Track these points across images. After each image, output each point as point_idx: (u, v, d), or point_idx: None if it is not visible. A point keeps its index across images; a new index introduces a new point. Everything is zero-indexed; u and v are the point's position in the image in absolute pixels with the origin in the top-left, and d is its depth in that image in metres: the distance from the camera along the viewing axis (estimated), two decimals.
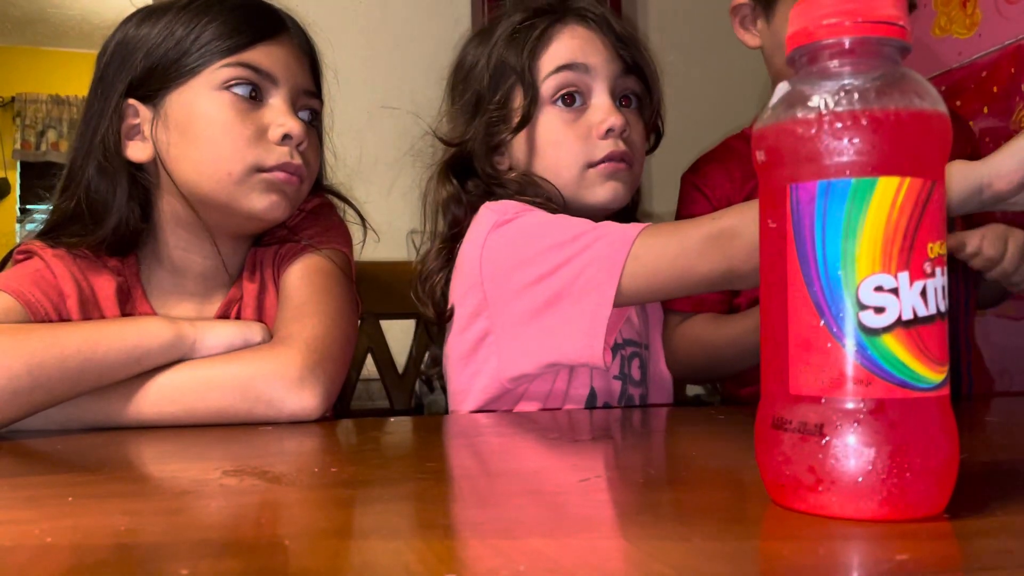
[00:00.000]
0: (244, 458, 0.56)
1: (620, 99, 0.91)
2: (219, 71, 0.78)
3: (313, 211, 0.89)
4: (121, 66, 0.80)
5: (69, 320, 0.77)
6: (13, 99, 4.94)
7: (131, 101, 0.79)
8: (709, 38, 2.10)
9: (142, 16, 0.81)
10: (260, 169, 0.79)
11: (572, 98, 0.89)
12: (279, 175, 0.80)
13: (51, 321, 0.75)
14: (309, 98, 0.86)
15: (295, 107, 0.83)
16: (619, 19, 0.92)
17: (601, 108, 0.88)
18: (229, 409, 0.69)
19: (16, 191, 4.99)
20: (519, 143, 0.90)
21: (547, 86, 0.89)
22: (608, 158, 0.87)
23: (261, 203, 0.80)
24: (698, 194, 1.08)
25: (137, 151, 0.80)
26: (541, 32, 0.89)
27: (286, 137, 0.80)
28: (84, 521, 0.38)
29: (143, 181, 0.82)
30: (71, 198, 0.81)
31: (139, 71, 0.79)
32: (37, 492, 0.45)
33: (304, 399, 0.70)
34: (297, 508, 0.41)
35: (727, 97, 2.13)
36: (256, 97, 0.80)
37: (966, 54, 1.75)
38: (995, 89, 1.67)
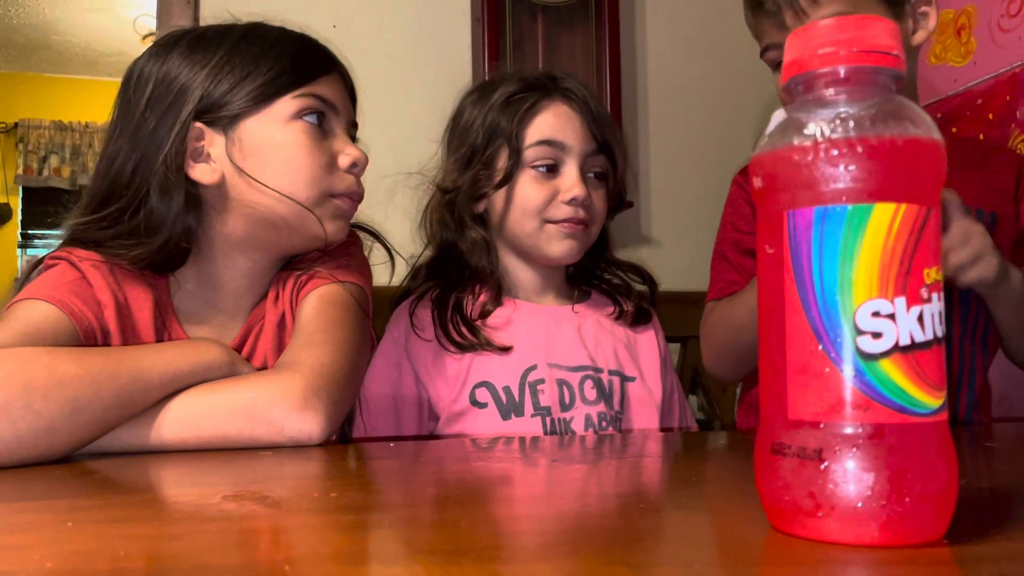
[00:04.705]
0: (244, 483, 0.56)
1: (590, 173, 1.05)
2: (293, 101, 0.83)
3: (342, 244, 0.92)
4: (180, 95, 0.80)
5: (109, 331, 0.78)
6: (16, 125, 4.97)
7: (197, 125, 0.81)
8: (709, 43, 2.12)
9: (189, 46, 0.82)
10: (331, 195, 0.85)
11: (548, 166, 1.03)
12: (347, 201, 0.87)
13: (94, 331, 0.76)
14: (354, 129, 0.91)
15: (348, 136, 0.88)
16: (595, 99, 1.07)
17: (569, 178, 1.02)
18: (232, 431, 0.69)
19: (18, 216, 5.01)
20: (498, 195, 1.05)
21: (528, 153, 1.03)
22: (567, 220, 1.02)
23: (330, 227, 0.86)
24: (742, 195, 1.17)
25: (204, 173, 0.82)
26: (531, 105, 1.04)
27: (353, 165, 0.86)
28: (84, 546, 0.37)
29: (197, 202, 0.83)
30: (121, 213, 0.81)
31: (204, 101, 0.80)
32: (36, 517, 0.45)
33: (306, 422, 0.70)
34: (297, 533, 0.41)
35: (726, 105, 2.14)
36: (324, 125, 0.85)
37: (961, 82, 1.77)
38: (991, 116, 1.68)
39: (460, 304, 1.03)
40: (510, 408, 0.97)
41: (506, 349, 1.00)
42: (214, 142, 0.82)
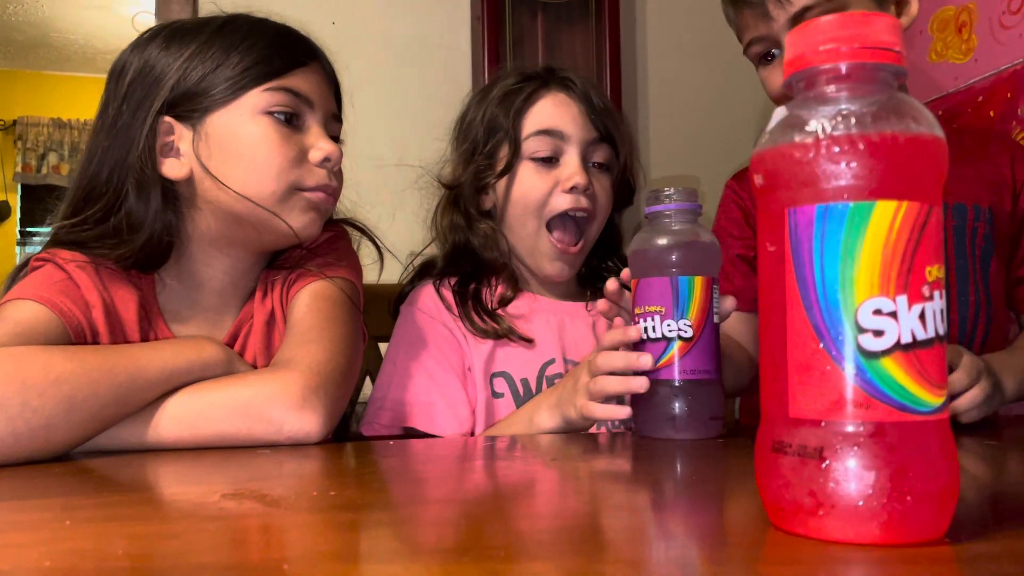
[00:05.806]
0: (243, 481, 0.56)
1: (591, 162, 1.04)
2: (262, 95, 0.81)
3: (328, 240, 0.91)
4: (153, 87, 0.80)
5: (97, 331, 0.77)
6: (15, 122, 4.96)
7: (167, 119, 0.80)
8: (709, 42, 2.11)
9: (166, 38, 0.82)
10: (300, 188, 0.83)
11: (548, 156, 1.02)
12: (318, 195, 0.85)
13: (84, 331, 0.76)
14: (335, 122, 0.90)
15: (326, 130, 0.86)
16: (598, 91, 1.06)
17: (570, 166, 1.02)
18: (230, 430, 0.69)
19: (17, 214, 5.00)
20: (500, 187, 1.05)
21: (527, 144, 1.02)
22: (571, 209, 1.01)
23: (299, 221, 0.84)
24: (734, 199, 1.18)
25: (174, 168, 0.81)
26: (528, 95, 1.03)
27: (325, 160, 0.84)
28: (82, 545, 0.37)
29: (174, 197, 0.82)
30: (103, 213, 0.81)
31: (175, 92, 0.80)
32: (35, 515, 0.45)
33: (304, 420, 0.70)
34: (295, 532, 0.41)
35: (726, 104, 2.14)
36: (294, 120, 0.83)
37: (962, 79, 1.77)
38: (992, 113, 1.68)
39: (479, 293, 1.03)
40: (526, 400, 0.97)
41: (529, 341, 1.01)
42: (183, 137, 0.81)
